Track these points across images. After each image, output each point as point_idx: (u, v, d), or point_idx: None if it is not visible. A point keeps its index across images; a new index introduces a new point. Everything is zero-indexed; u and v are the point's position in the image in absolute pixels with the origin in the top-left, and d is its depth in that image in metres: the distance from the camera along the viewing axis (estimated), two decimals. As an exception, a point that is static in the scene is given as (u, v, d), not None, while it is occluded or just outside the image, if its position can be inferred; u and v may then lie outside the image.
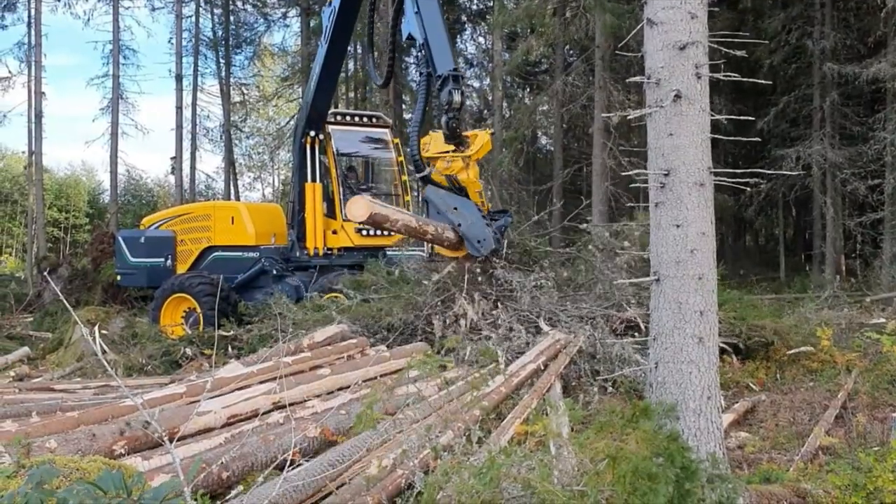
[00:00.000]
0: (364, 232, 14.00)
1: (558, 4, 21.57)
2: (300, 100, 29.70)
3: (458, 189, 10.09)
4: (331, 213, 13.92)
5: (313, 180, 13.71)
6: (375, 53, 14.77)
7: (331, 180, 14.06)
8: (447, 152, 10.05)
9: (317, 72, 13.28)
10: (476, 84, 32.93)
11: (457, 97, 9.82)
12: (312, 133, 13.64)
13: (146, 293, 16.12)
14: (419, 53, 10.58)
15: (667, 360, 5.17)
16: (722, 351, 8.01)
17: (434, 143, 10.32)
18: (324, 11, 13.14)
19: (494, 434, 5.57)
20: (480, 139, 10.34)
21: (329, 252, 13.84)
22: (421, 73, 10.51)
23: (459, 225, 9.69)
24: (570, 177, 23.52)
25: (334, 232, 13.88)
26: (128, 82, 28.33)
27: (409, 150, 10.63)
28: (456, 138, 10.04)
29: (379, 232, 14.21)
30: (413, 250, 14.61)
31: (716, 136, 5.34)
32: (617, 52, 14.68)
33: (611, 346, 8.52)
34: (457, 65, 10.34)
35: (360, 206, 8.78)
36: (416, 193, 29.94)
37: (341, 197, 13.86)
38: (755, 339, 9.20)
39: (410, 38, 10.76)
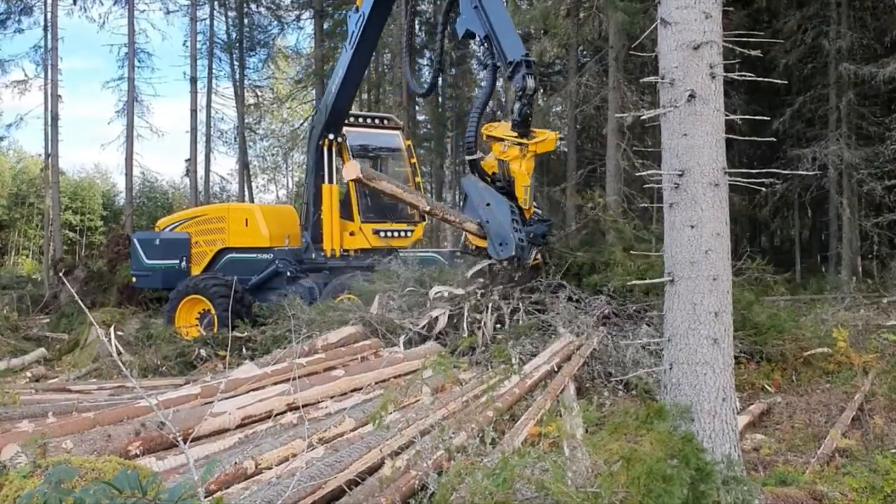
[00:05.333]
0: (382, 234, 14.04)
1: (571, 5, 21.53)
2: (314, 102, 29.80)
3: (507, 180, 9.90)
4: (347, 215, 13.95)
5: (330, 182, 13.75)
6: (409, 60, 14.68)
7: (347, 182, 14.08)
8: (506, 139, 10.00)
9: (340, 75, 13.25)
10: (489, 85, 32.87)
11: (531, 82, 9.78)
12: (331, 136, 13.67)
13: (161, 295, 16.22)
14: (480, 47, 10.66)
15: (681, 361, 5.14)
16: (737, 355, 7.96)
17: (500, 127, 10.32)
18: (350, 17, 13.07)
19: (508, 435, 5.56)
20: (547, 135, 10.32)
21: (346, 253, 13.87)
22: (486, 66, 10.54)
23: (488, 222, 9.51)
24: (583, 178, 23.45)
25: (351, 233, 13.92)
26: (143, 85, 28.57)
27: (466, 133, 10.53)
28: (525, 127, 9.98)
29: (396, 233, 14.26)
30: (426, 252, 14.64)
31: (731, 136, 5.31)
32: (631, 52, 14.65)
33: (625, 348, 8.50)
34: (527, 50, 10.32)
35: (351, 168, 8.82)
36: (429, 195, 29.92)
37: (357, 199, 13.91)
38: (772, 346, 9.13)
39: (468, 35, 10.76)
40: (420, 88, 13.71)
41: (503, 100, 25.93)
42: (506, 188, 9.98)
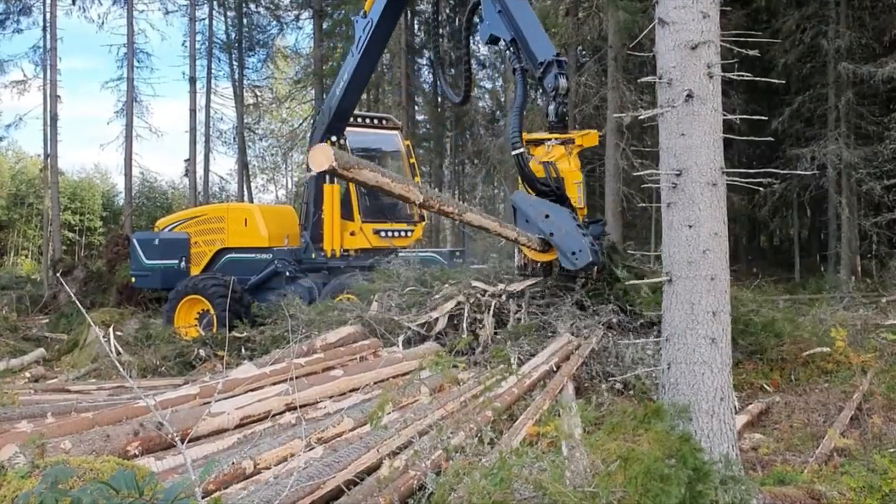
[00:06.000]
0: (382, 234, 14.05)
1: (571, 4, 21.55)
2: (313, 102, 29.77)
3: (556, 183, 9.58)
4: (347, 215, 13.97)
5: (332, 182, 13.77)
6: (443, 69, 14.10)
7: (347, 182, 14.08)
8: (547, 139, 9.78)
9: (345, 79, 13.24)
10: (489, 85, 32.96)
11: (563, 82, 9.63)
12: (334, 138, 13.70)
13: (160, 295, 16.23)
14: (507, 52, 10.39)
15: (679, 360, 5.15)
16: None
17: (537, 134, 10.14)
18: (357, 22, 13.00)
19: (506, 435, 5.56)
20: (588, 131, 10.16)
21: (346, 253, 13.89)
22: (515, 70, 10.25)
23: (552, 234, 9.14)
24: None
25: (352, 233, 13.94)
26: (142, 85, 28.57)
27: (508, 132, 10.20)
28: (563, 126, 9.84)
29: (396, 233, 14.27)
30: (425, 251, 14.64)
31: (729, 136, 5.32)
32: (629, 51, 14.67)
33: (623, 347, 8.50)
34: (558, 50, 10.10)
35: (321, 155, 6.20)
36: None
37: (358, 199, 13.94)
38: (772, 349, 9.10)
39: (493, 40, 10.60)
40: (455, 98, 13.43)
41: (503, 99, 25.95)
42: (556, 192, 9.65)
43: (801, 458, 6.14)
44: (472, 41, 11.39)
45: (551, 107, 9.77)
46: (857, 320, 11.17)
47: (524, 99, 10.40)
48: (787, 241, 28.43)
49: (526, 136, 10.14)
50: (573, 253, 8.97)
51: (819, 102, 20.14)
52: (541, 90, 10.35)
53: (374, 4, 12.47)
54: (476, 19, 11.66)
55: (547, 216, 9.25)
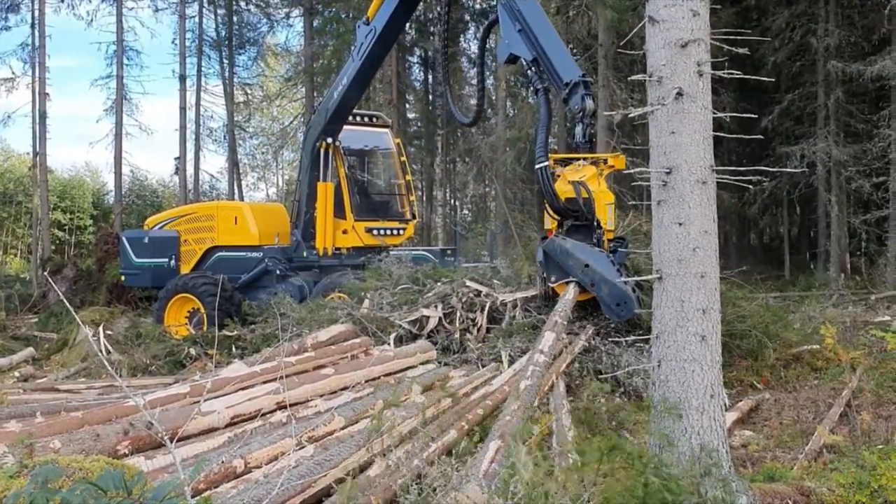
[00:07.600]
0: (374, 232, 14.05)
1: (561, 3, 21.55)
2: (304, 100, 29.69)
3: (585, 201, 9.19)
4: (339, 213, 13.95)
5: (324, 180, 13.76)
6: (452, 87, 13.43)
7: (339, 181, 14.08)
8: (577, 158, 9.54)
9: (344, 83, 13.18)
10: (480, 83, 32.89)
11: (590, 103, 9.42)
12: (329, 140, 13.68)
13: (150, 293, 16.17)
14: (528, 71, 10.10)
15: (669, 358, 5.15)
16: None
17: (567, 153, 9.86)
18: (359, 27, 12.89)
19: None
20: (617, 154, 10.02)
21: (338, 252, 13.88)
22: (537, 91, 9.98)
23: (593, 285, 8.75)
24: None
25: (344, 232, 13.93)
26: (132, 83, 28.41)
27: (536, 146, 9.76)
28: (592, 148, 9.63)
29: (389, 231, 14.29)
30: (416, 250, 14.64)
31: (719, 133, 5.32)
32: (619, 49, 14.70)
33: (613, 345, 8.51)
34: (583, 71, 9.78)
35: None
36: (420, 193, 29.80)
37: (350, 197, 13.93)
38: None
39: (512, 59, 10.40)
40: (465, 119, 13.25)
41: (494, 97, 25.95)
42: (584, 213, 9.29)
43: (790, 455, 6.17)
44: (486, 62, 11.03)
45: (578, 128, 9.55)
46: (847, 317, 11.23)
47: (549, 117, 10.13)
48: (777, 238, 28.55)
49: (554, 155, 9.93)
50: (617, 304, 8.67)
51: (808, 100, 20.25)
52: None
53: (377, 14, 12.37)
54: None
55: (587, 266, 8.85)
